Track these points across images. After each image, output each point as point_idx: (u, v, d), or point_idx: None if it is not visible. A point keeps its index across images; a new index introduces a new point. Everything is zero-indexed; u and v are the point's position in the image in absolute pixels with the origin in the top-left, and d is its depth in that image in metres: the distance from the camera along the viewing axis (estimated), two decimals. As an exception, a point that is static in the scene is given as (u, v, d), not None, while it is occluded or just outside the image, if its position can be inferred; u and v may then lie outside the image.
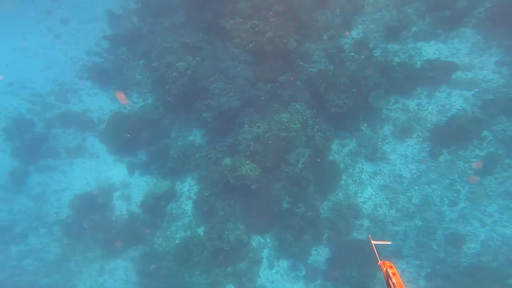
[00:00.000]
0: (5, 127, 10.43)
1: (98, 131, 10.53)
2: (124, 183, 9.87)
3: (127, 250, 9.53)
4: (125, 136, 9.58)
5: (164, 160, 9.36)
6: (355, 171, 8.52)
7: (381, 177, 8.30)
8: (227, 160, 8.78)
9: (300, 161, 8.70)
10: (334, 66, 9.59)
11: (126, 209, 9.69)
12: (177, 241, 9.01)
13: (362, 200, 8.25)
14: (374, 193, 8.22)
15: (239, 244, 8.24)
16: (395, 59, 9.13)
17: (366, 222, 8.12)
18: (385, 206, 8.06)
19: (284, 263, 8.30)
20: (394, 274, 1.95)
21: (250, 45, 9.62)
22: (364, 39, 9.95)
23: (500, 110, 7.81)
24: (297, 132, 8.84)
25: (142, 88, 10.48)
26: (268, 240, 8.65)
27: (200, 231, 8.99)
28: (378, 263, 2.14)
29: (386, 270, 1.99)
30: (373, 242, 2.49)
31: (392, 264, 1.97)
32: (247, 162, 8.60)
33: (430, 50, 9.06)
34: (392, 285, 1.89)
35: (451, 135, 7.76)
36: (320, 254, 8.23)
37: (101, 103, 10.90)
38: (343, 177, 8.45)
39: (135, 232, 9.47)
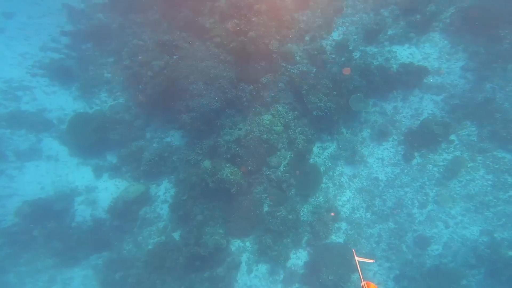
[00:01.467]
0: None
1: (58, 132, 10.45)
2: (89, 187, 9.94)
3: (89, 258, 9.54)
4: (91, 138, 9.67)
5: (138, 162, 9.64)
6: (335, 174, 9.52)
7: (359, 180, 9.38)
8: (207, 163, 9.47)
9: (282, 164, 9.56)
10: (316, 67, 10.78)
11: (90, 215, 9.73)
12: (149, 247, 9.32)
13: (341, 203, 9.25)
14: (353, 196, 9.27)
15: (217, 248, 8.72)
16: (374, 62, 10.26)
17: (344, 225, 9.12)
18: (362, 209, 9.15)
19: (262, 267, 9.03)
20: None
21: (231, 45, 10.41)
22: (344, 41, 10.93)
23: (465, 115, 9.22)
24: (279, 134, 9.85)
25: (112, 87, 10.67)
26: (247, 244, 9.31)
27: (176, 236, 9.36)
28: (362, 284, 2.25)
29: None
30: (357, 259, 2.58)
31: (376, 286, 2.04)
32: (228, 165, 9.40)
33: (404, 54, 10.26)
34: None
35: (422, 138, 9.01)
36: (299, 258, 9.06)
37: (61, 102, 10.81)
38: (324, 180, 9.41)
39: (100, 238, 9.49)
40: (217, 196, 9.33)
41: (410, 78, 10.15)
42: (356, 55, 11.01)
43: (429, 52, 10.37)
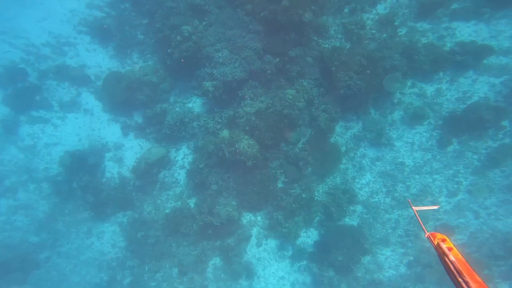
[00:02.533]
0: None
1: (94, 87, 11.38)
2: (117, 144, 10.82)
3: (116, 215, 10.56)
4: (121, 96, 10.35)
5: (160, 125, 10.14)
6: (356, 156, 9.18)
7: (382, 163, 8.96)
8: (225, 133, 9.60)
9: (301, 141, 9.40)
10: (351, 43, 10.08)
11: (117, 172, 10.66)
12: (167, 211, 10.01)
13: (359, 186, 9.00)
14: (373, 179, 8.94)
15: (229, 220, 9.07)
16: (422, 40, 9.36)
17: (359, 208, 8.94)
18: (381, 193, 8.83)
19: (272, 242, 9.26)
20: (450, 249, 1.71)
21: (262, 14, 10.09)
22: (391, 15, 10.12)
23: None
24: (301, 110, 9.52)
25: (144, 49, 11.17)
26: (259, 218, 9.56)
27: (191, 203, 9.91)
28: (425, 235, 1.89)
29: (439, 244, 1.75)
30: (415, 208, 2.24)
31: (446, 237, 1.76)
32: (246, 137, 9.39)
33: (467, 31, 9.16)
34: (449, 263, 1.64)
35: (466, 124, 8.21)
36: (309, 237, 9.13)
37: (99, 60, 11.65)
38: (343, 160, 9.15)
39: (125, 197, 10.43)
40: (233, 167, 9.53)
41: (467, 58, 8.99)
42: (401, 31, 9.94)
43: (502, 30, 9.02)
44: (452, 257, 1.64)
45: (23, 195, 10.98)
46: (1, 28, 12.03)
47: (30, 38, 12.06)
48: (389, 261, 8.47)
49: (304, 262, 8.99)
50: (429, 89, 9.06)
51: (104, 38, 11.78)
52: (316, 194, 9.23)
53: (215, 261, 9.50)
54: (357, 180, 9.08)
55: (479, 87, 8.65)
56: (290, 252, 9.15)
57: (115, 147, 10.88)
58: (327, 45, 10.02)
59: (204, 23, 10.23)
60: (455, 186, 8.39)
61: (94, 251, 10.54)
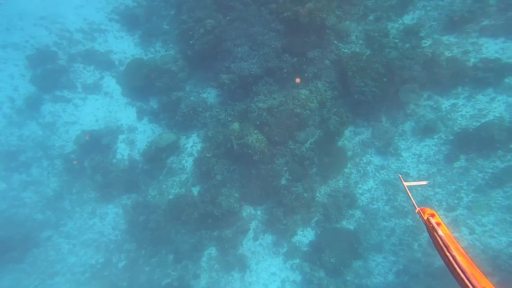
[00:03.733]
0: (29, 55, 12.66)
1: (117, 72, 12.58)
2: (131, 127, 11.85)
3: (121, 197, 11.39)
4: (140, 82, 11.43)
5: (174, 112, 11.01)
6: (362, 161, 9.61)
7: (387, 172, 9.35)
8: (236, 125, 10.35)
9: (309, 141, 9.91)
10: (371, 50, 10.65)
11: (127, 154, 11.60)
12: (170, 197, 10.74)
13: (360, 191, 9.42)
14: (375, 186, 9.35)
15: (230, 211, 9.67)
16: (446, 53, 9.74)
17: (358, 213, 9.35)
18: (381, 201, 9.23)
19: (268, 238, 9.78)
20: (439, 224, 1.85)
21: (285, 14, 10.96)
22: (417, 26, 10.47)
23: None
24: (312, 111, 10.11)
25: (167, 38, 12.28)
26: (259, 212, 10.11)
27: (195, 191, 10.59)
28: (416, 211, 2.04)
29: (428, 219, 1.89)
30: (406, 184, 2.38)
31: (434, 212, 1.90)
32: (255, 131, 10.08)
33: (494, 48, 9.46)
34: (438, 238, 1.77)
35: (476, 142, 8.50)
36: (305, 236, 9.60)
37: (124, 47, 12.91)
38: (348, 165, 9.58)
39: (132, 179, 11.26)
40: (239, 159, 10.18)
41: (488, 75, 9.31)
42: (426, 43, 10.40)
43: (531, 50, 9.28)
44: (440, 232, 1.78)
45: (36, 171, 12.07)
46: (42, 13, 13.53)
47: (66, 24, 13.48)
48: (379, 268, 8.83)
49: (297, 261, 9.42)
50: (445, 103, 9.37)
51: (132, 26, 13.03)
52: (318, 195, 9.68)
53: (211, 250, 10.07)
54: (359, 185, 9.49)
55: (496, 106, 8.88)
56: (285, 249, 9.61)
57: (129, 130, 11.90)
58: (346, 50, 10.64)
59: (227, 18, 11.22)
60: (456, 201, 8.66)
61: (94, 232, 11.36)
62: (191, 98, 11.18)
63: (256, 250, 9.81)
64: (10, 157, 12.05)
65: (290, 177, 9.90)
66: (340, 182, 9.68)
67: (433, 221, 1.85)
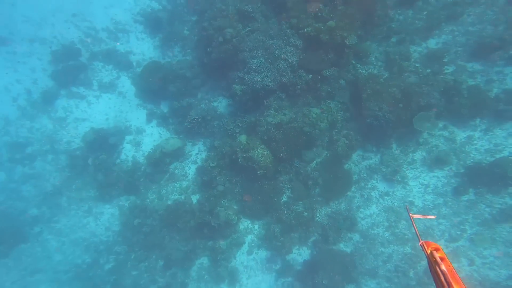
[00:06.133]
0: (54, 50, 14.60)
1: (133, 73, 14.17)
2: (139, 129, 13.23)
3: (119, 198, 12.60)
4: (154, 85, 12.86)
5: (183, 118, 12.28)
6: (366, 186, 10.36)
7: (391, 199, 10.06)
8: (243, 138, 11.48)
9: (315, 161, 10.76)
10: (390, 73, 11.62)
11: (132, 156, 12.91)
12: (169, 202, 11.80)
13: (362, 215, 10.17)
14: (377, 212, 10.09)
15: (227, 223, 10.57)
16: (468, 81, 10.41)
17: (356, 237, 10.08)
18: (382, 227, 9.96)
19: (263, 253, 10.63)
20: (442, 259, 1.95)
21: (305, 29, 12.30)
22: (441, 51, 11.23)
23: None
24: (322, 131, 11.09)
25: (186, 44, 13.79)
26: (256, 227, 11.01)
27: (194, 199, 11.60)
28: (419, 244, 2.18)
29: (432, 253, 2.01)
30: (412, 216, 2.55)
31: (439, 246, 2.05)
32: (262, 146, 11.16)
33: None
34: (440, 273, 1.86)
35: (488, 177, 9.05)
36: (300, 255, 10.39)
37: (144, 49, 14.58)
38: (353, 188, 10.35)
39: (133, 181, 12.42)
40: (242, 172, 11.24)
41: (509, 108, 9.98)
42: (448, 69, 11.25)
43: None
44: (443, 267, 1.89)
45: (40, 164, 13.58)
46: (75, 11, 15.59)
47: (94, 22, 15.45)
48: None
49: (289, 279, 10.21)
50: (460, 134, 10.00)
51: (155, 29, 14.71)
52: (318, 215, 10.48)
53: (203, 260, 11.00)
54: (361, 209, 10.25)
55: (513, 141, 9.40)
56: (278, 266, 10.45)
57: (137, 132, 13.31)
58: (363, 71, 11.63)
59: (247, 29, 12.70)
60: (459, 233, 9.27)
61: (86, 231, 12.55)
62: (201, 105, 12.45)
63: (248, 265, 10.69)
64: (17, 149, 13.68)
65: (291, 195, 10.75)
66: (342, 204, 10.47)
67: (437, 255, 1.98)
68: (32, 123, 14.18)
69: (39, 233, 12.70)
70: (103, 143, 13.18)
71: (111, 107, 14.05)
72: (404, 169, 10.27)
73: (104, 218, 12.75)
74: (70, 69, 14.47)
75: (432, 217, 2.89)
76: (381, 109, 10.51)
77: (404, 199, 9.96)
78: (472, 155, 9.76)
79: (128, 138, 13.43)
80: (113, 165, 13.07)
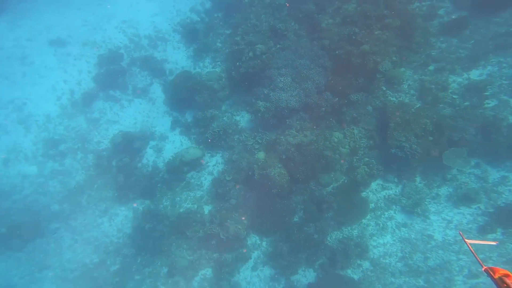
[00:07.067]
0: (101, 54, 16.11)
1: (165, 81, 15.22)
2: (163, 135, 14.08)
3: (135, 201, 13.30)
4: (182, 94, 13.82)
5: (205, 128, 12.92)
6: (383, 215, 10.39)
7: (408, 230, 10.07)
8: (261, 155, 11.85)
9: (331, 185, 10.79)
10: (423, 103, 11.36)
11: (153, 161, 13.71)
12: (181, 210, 12.34)
13: (375, 243, 10.22)
14: (392, 242, 10.11)
15: (235, 237, 10.89)
16: (510, 118, 10.12)
17: (366, 264, 10.09)
18: (395, 257, 9.95)
19: (267, 271, 10.82)
20: None
21: (337, 52, 12.53)
22: (484, 83, 10.94)
23: None
24: (342, 156, 11.12)
25: (217, 56, 14.66)
26: (264, 244, 11.23)
27: (206, 209, 12.06)
28: (483, 269, 2.22)
29: (502, 279, 2.06)
30: (468, 242, 2.49)
31: (509, 273, 2.10)
32: (279, 165, 11.40)
33: None
34: None
35: None
36: (305, 276, 10.45)
37: (178, 58, 15.64)
38: (368, 216, 10.40)
39: (150, 186, 13.16)
40: (257, 188, 11.51)
41: None
42: (489, 103, 10.90)
43: None
44: None
45: (69, 162, 14.65)
46: (125, 17, 17.28)
47: (139, 29, 16.94)
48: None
49: None
50: (494, 174, 9.65)
51: (190, 39, 15.81)
52: (328, 239, 10.58)
53: (207, 271, 11.31)
54: (374, 238, 10.28)
55: (549, 186, 8.83)
56: (281, 286, 10.57)
57: (160, 138, 14.17)
58: (394, 98, 11.54)
59: (278, 46, 13.31)
60: (480, 269, 8.81)
61: (99, 231, 13.22)
62: (224, 118, 13.04)
63: (251, 281, 10.92)
64: (52, 145, 14.93)
65: (303, 216, 10.88)
66: (355, 231, 10.53)
67: (509, 282, 2.04)
68: (69, 121, 15.54)
69: (56, 229, 13.53)
70: (128, 146, 14.13)
71: (140, 112, 15.13)
72: (426, 202, 10.22)
73: (118, 220, 13.45)
74: (111, 73, 15.86)
75: (493, 243, 3.16)
76: (409, 140, 10.38)
77: (423, 232, 9.93)
78: (504, 196, 9.42)
79: (151, 143, 14.31)
80: (134, 168, 13.89)
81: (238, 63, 13.12)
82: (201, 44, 15.46)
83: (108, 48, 16.63)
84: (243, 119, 13.29)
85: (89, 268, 12.71)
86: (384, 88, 11.77)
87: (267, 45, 13.10)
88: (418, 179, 10.52)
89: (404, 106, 11.16)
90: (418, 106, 11.22)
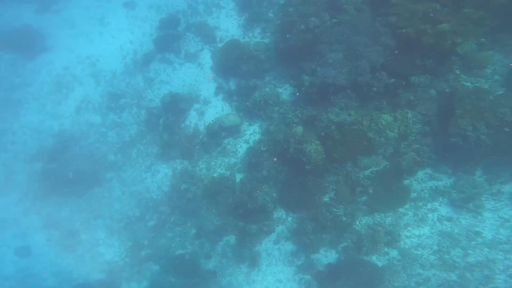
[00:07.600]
0: (162, 18, 16.31)
1: (215, 48, 14.94)
2: (207, 99, 13.99)
3: (175, 160, 13.54)
4: (229, 61, 13.49)
5: (247, 97, 12.50)
6: (425, 207, 9.51)
7: (452, 224, 9.20)
8: (299, 129, 11.04)
9: (370, 169, 9.85)
10: (507, 90, 9.44)
11: (195, 123, 13.69)
12: (215, 175, 12.24)
13: (408, 234, 9.52)
14: (429, 234, 9.34)
15: (263, 208, 10.52)
16: None
17: (394, 253, 9.51)
18: (429, 249, 9.24)
19: (289, 246, 10.60)
20: None
21: (405, 30, 10.82)
22: None
23: None
24: (388, 140, 10.00)
25: (267, 26, 13.95)
26: (289, 219, 10.87)
27: (238, 177, 11.83)
28: None
29: None
30: None
31: None
32: (317, 142, 10.48)
33: None
34: None
35: None
36: (326, 257, 10.10)
37: (229, 26, 15.20)
38: (407, 205, 9.62)
39: (190, 147, 13.17)
40: (290, 163, 10.84)
41: None
42: None
43: None
44: None
45: (125, 115, 15.47)
46: None
47: None
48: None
49: (308, 277, 10.15)
50: None
51: (244, 7, 15.19)
52: (357, 223, 9.94)
53: (230, 238, 11.33)
54: (409, 228, 9.57)
55: None
56: (301, 262, 10.39)
57: (204, 102, 14.10)
58: (468, 83, 9.84)
59: (333, 20, 12.16)
60: None
61: (143, 186, 13.75)
62: (266, 89, 12.42)
63: (272, 253, 10.80)
64: (114, 99, 15.89)
65: (334, 197, 10.23)
66: (389, 219, 9.79)
67: None
68: (129, 79, 16.28)
69: (110, 179, 14.34)
70: (175, 106, 14.31)
71: (189, 76, 15.11)
72: (482, 198, 9.12)
73: (159, 177, 13.78)
74: (169, 37, 16.07)
75: None
76: (477, 129, 8.88)
77: (470, 228, 9.06)
78: None
79: (195, 106, 14.28)
80: (178, 128, 14.07)
81: (288, 36, 12.24)
82: (253, 13, 14.74)
83: (168, 13, 16.70)
84: (285, 91, 12.58)
85: (131, 221, 13.29)
86: (458, 72, 10.08)
87: (322, 19, 12.00)
88: (478, 172, 9.32)
89: (481, 92, 9.49)
90: (499, 93, 9.43)
